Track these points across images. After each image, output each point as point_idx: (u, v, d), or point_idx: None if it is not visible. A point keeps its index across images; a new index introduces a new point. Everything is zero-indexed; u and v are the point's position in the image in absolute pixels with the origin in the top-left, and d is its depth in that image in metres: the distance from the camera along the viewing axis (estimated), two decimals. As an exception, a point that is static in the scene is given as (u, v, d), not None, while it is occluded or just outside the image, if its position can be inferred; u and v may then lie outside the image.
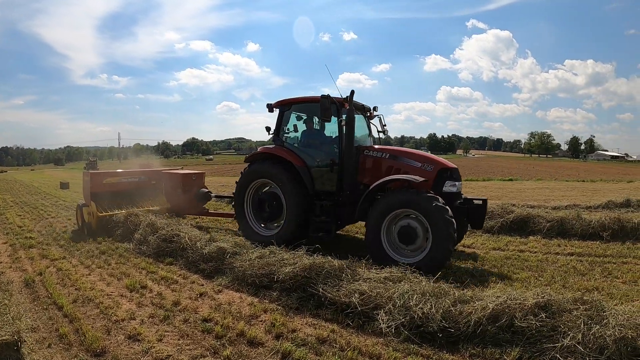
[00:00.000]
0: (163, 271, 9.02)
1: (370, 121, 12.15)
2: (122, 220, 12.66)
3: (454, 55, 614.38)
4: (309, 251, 8.38)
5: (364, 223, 9.98)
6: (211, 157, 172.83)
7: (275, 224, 11.42)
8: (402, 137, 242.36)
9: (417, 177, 9.17)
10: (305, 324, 6.44)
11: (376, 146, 10.95)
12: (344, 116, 9.99)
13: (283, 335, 5.99)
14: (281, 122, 11.51)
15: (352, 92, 9.95)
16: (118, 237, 12.20)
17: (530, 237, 12.19)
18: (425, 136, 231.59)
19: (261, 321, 6.53)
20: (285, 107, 11.54)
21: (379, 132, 12.20)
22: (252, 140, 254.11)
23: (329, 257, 7.86)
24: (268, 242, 9.60)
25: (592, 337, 5.15)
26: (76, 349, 5.61)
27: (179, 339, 5.93)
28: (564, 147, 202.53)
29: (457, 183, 9.87)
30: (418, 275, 7.36)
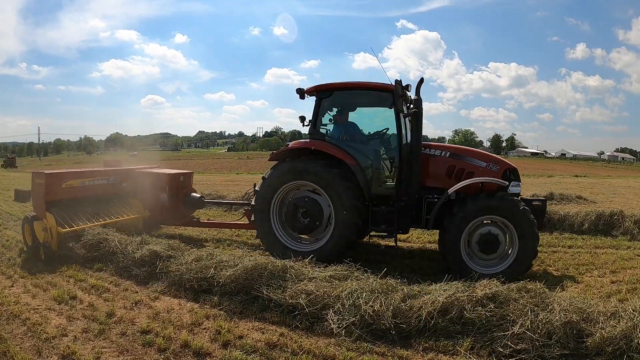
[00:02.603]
0: (92, 279, 8.48)
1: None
2: (94, 239, 10.00)
3: (383, 54, 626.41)
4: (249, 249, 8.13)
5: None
6: (136, 153, 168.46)
7: (310, 237, 9.82)
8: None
9: (502, 181, 8.56)
10: (252, 328, 6.22)
11: (433, 143, 9.72)
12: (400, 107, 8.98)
13: (230, 343, 5.75)
14: (318, 111, 9.71)
15: (422, 80, 8.97)
16: (84, 259, 9.62)
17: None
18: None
19: (205, 329, 6.23)
20: (324, 94, 9.69)
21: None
22: (178, 135, 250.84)
23: (271, 258, 7.72)
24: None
25: (539, 323, 5.41)
26: (4, 376, 5.12)
27: (118, 356, 5.54)
28: (487, 144, 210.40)
29: (519, 183, 9.15)
30: (364, 272, 7.35)
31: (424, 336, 5.70)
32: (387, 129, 9.74)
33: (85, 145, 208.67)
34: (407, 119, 9.14)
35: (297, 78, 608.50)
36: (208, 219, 13.76)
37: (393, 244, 9.56)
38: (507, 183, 8.58)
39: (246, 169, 56.65)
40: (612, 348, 5.03)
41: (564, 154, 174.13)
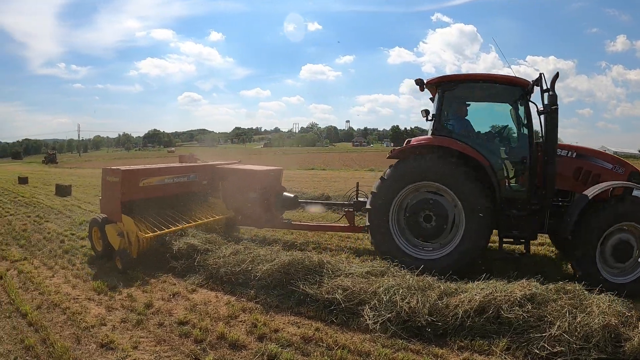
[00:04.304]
0: (131, 270, 8.57)
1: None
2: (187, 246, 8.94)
3: (418, 48, 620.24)
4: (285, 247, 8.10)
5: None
6: (173, 149, 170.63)
7: (429, 243, 8.67)
8: (366, 128, 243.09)
9: (637, 185, 7.82)
10: (288, 322, 6.23)
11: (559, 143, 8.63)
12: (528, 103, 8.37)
13: (266, 336, 5.78)
14: (442, 105, 8.77)
15: (557, 75, 8.09)
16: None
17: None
18: (388, 128, 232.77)
19: (241, 321, 6.28)
20: (447, 86, 8.75)
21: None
22: (215, 131, 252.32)
23: (308, 253, 7.69)
24: (427, 269, 7.40)
25: (577, 325, 5.27)
26: (45, 362, 5.24)
27: (155, 345, 5.62)
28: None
29: None
30: (401, 268, 7.29)
31: (459, 335, 5.63)
32: (507, 125, 9.11)
33: (124, 142, 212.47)
34: (541, 116, 8.33)
35: (333, 74, 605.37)
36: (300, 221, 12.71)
37: (523, 251, 8.61)
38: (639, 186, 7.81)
39: (283, 165, 56.66)
40: (651, 353, 4.87)
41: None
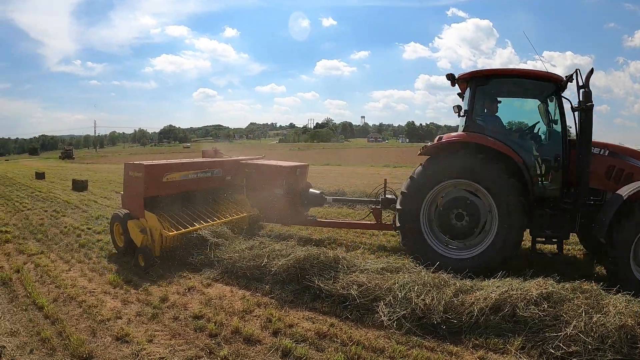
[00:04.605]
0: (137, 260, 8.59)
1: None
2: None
3: (434, 44, 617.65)
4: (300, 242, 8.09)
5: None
6: (189, 144, 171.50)
7: (460, 242, 8.47)
8: (381, 124, 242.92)
9: None
10: (303, 318, 6.23)
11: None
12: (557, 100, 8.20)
13: (281, 331, 5.78)
14: (474, 100, 8.54)
15: (592, 71, 7.89)
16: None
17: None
18: (403, 124, 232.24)
19: (256, 316, 6.29)
20: (480, 81, 8.52)
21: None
22: (230, 127, 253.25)
23: (323, 248, 7.67)
24: (460, 269, 7.35)
25: (593, 325, 5.20)
26: (61, 354, 5.27)
27: (170, 339, 5.65)
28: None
29: None
30: (416, 265, 7.27)
31: (474, 333, 5.59)
32: (538, 122, 8.89)
33: (140, 137, 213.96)
34: (575, 113, 8.11)
35: (348, 69, 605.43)
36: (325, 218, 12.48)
37: (556, 251, 8.37)
38: None
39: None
40: (668, 356, 4.80)
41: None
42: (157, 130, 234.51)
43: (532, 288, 5.96)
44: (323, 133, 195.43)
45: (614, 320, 5.17)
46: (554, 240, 8.18)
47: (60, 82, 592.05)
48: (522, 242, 8.24)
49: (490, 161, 7.90)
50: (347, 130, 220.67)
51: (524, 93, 9.19)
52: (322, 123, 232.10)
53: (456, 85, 9.10)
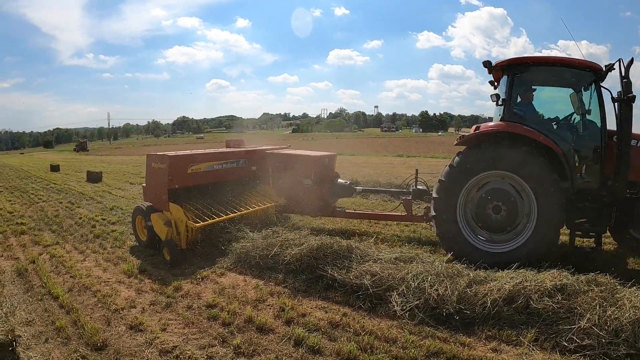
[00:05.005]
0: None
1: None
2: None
3: (447, 32, 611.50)
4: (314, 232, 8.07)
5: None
6: (202, 135, 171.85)
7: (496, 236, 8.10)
8: (394, 114, 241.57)
9: None
10: (315, 307, 6.22)
11: None
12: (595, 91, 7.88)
13: (294, 321, 5.80)
14: (512, 89, 8.18)
15: (632, 60, 7.57)
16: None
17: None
18: (417, 114, 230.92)
19: (269, 305, 6.30)
20: (518, 69, 8.16)
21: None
22: (243, 117, 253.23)
23: (337, 237, 7.63)
24: (498, 263, 7.12)
25: (607, 319, 5.13)
26: (75, 343, 5.32)
27: (183, 328, 5.68)
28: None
29: None
30: (430, 255, 7.21)
31: (487, 324, 5.52)
32: (574, 112, 8.52)
33: (153, 129, 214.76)
34: (615, 103, 7.76)
35: (361, 59, 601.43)
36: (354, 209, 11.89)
37: (594, 245, 8.06)
38: None
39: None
40: (682, 350, 4.73)
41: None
42: (171, 122, 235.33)
43: (546, 279, 5.90)
44: (336, 123, 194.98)
45: (629, 314, 5.10)
46: (591, 234, 7.94)
47: (73, 75, 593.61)
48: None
49: (530, 152, 7.60)
50: (360, 120, 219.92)
51: (560, 82, 8.79)
52: (335, 113, 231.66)
53: (490, 73, 8.82)
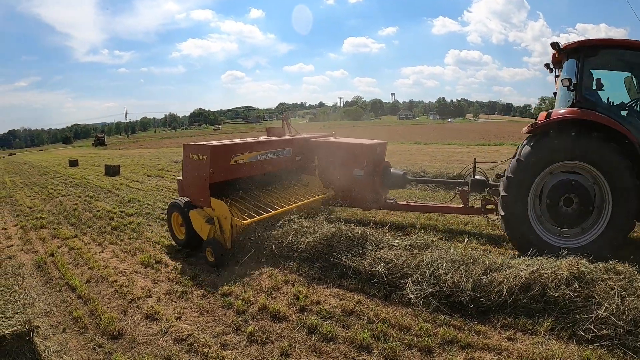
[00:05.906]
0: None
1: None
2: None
3: (463, 17, 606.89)
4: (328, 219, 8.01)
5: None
6: (219, 126, 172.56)
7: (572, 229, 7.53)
8: (411, 101, 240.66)
9: None
10: (330, 295, 6.21)
11: None
12: None
13: (307, 308, 5.80)
14: (583, 73, 7.52)
15: None
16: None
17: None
18: (434, 100, 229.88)
19: (283, 293, 6.31)
20: (589, 52, 7.52)
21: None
22: (260, 108, 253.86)
23: (351, 225, 7.56)
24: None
25: (626, 308, 4.98)
26: (92, 332, 5.41)
27: (198, 316, 5.73)
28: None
29: None
30: (445, 242, 7.12)
31: (503, 312, 5.43)
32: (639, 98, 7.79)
33: (170, 122, 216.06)
34: None
35: (376, 46, 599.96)
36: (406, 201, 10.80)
37: None
38: None
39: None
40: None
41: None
42: (188, 114, 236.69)
43: (563, 267, 5.75)
44: (353, 111, 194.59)
45: (648, 304, 4.96)
46: None
47: (89, 71, 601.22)
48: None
49: (606, 140, 7.01)
50: (377, 108, 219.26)
51: (626, 66, 8.07)
52: (351, 101, 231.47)
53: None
